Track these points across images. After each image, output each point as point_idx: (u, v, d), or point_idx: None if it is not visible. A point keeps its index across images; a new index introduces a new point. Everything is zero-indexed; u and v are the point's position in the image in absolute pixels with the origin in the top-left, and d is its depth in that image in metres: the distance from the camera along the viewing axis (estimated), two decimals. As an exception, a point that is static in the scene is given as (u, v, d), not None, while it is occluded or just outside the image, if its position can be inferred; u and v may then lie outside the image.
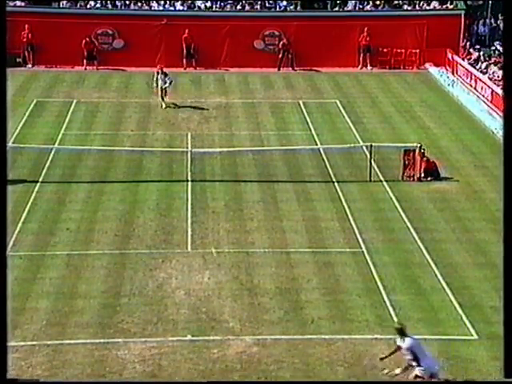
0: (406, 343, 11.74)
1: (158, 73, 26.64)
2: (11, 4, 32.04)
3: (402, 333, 11.86)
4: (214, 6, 33.21)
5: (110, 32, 31.39)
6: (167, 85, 26.41)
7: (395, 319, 14.07)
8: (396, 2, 33.42)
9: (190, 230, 17.65)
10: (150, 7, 32.83)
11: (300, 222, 18.21)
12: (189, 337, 13.57)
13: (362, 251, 16.85)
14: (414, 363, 11.70)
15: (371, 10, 33.17)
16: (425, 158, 20.86)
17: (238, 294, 15.02)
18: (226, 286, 15.30)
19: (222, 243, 17.10)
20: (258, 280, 15.57)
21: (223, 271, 15.89)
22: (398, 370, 11.87)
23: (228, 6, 33.28)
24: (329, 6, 33.56)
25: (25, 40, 30.46)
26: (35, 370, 12.40)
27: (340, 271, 16.00)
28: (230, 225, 17.96)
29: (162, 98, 26.47)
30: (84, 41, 30.64)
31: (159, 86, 26.42)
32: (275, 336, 13.68)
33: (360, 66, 32.17)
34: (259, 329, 13.89)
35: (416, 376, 11.83)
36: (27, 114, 25.34)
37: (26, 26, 30.33)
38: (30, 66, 30.85)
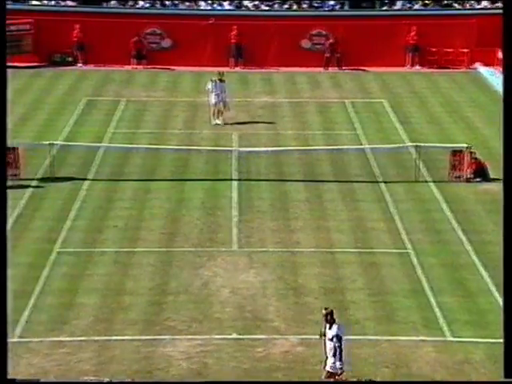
0: (333, 329, 11.57)
1: (213, 82, 24.18)
2: (62, 4, 32.59)
3: (332, 316, 11.68)
4: (261, 6, 33.28)
5: (159, 31, 31.68)
6: (221, 101, 24.08)
7: (442, 321, 13.95)
8: (446, 2, 33.05)
9: (235, 228, 17.72)
10: (198, 6, 33.04)
11: (345, 221, 18.15)
12: (234, 335, 13.63)
13: (408, 252, 16.72)
14: (337, 351, 11.51)
15: (420, 9, 32.86)
16: (474, 159, 20.60)
17: (282, 294, 15.03)
18: (270, 285, 15.32)
19: (267, 242, 17.14)
20: (302, 280, 15.56)
21: (268, 270, 15.92)
22: (330, 360, 11.68)
23: (275, 6, 33.32)
24: (377, 5, 33.35)
25: (75, 40, 30.91)
26: (83, 366, 12.58)
27: (386, 272, 15.90)
28: (275, 224, 17.98)
29: (217, 115, 24.24)
30: (133, 40, 30.97)
31: (213, 102, 24.15)
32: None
33: (408, 66, 31.90)
34: (304, 328, 13.88)
35: (328, 372, 11.66)
36: (77, 112, 25.72)
37: (77, 25, 30.78)
38: (80, 65, 31.31)
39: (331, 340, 11.51)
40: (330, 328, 11.57)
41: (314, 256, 16.55)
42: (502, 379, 6.78)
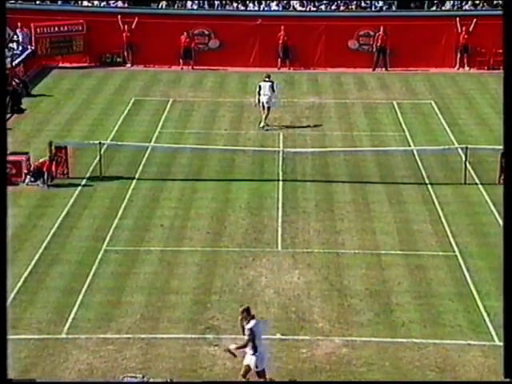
0: (249, 324, 11.60)
1: (262, 82, 24.08)
2: (112, 5, 32.99)
3: (248, 313, 11.73)
4: (308, 7, 33.24)
5: (206, 32, 31.85)
6: (270, 101, 24.03)
7: (490, 325, 13.76)
8: (496, 1, 32.56)
9: (280, 229, 17.73)
10: (246, 7, 33.14)
11: (391, 223, 18.02)
12: (278, 335, 13.65)
13: (456, 255, 16.53)
14: (250, 345, 11.53)
15: (469, 10, 32.43)
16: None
17: (327, 295, 15.00)
18: (315, 286, 15.30)
19: (312, 243, 17.11)
20: (347, 281, 15.51)
21: (313, 271, 15.90)
22: (233, 346, 11.79)
23: (323, 6, 33.24)
24: (425, 5, 33.02)
25: (125, 40, 31.27)
26: (129, 363, 12.72)
27: (432, 275, 15.75)
28: (320, 225, 17.95)
29: (265, 117, 24.14)
30: (181, 41, 31.19)
31: (261, 103, 24.03)
32: (365, 338, 13.59)
33: (457, 67, 31.53)
34: (349, 330, 13.84)
35: (248, 366, 11.67)
36: (125, 112, 26.01)
37: (126, 26, 31.13)
38: (129, 65, 31.66)
39: (244, 333, 11.64)
40: (247, 324, 11.68)
41: (359, 257, 16.47)
42: (502, 379, 6.70)
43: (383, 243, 17.08)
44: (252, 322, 11.70)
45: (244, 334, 11.71)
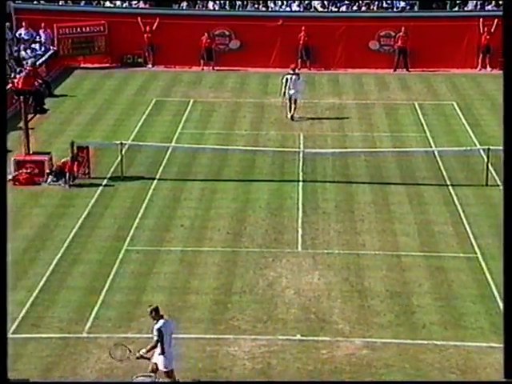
0: (158, 324, 11.56)
1: (288, 75, 24.59)
2: (134, 5, 33.14)
3: (157, 313, 11.68)
4: (329, 7, 33.19)
5: (227, 33, 31.91)
6: (297, 93, 24.70)
7: None
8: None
9: (300, 230, 17.72)
10: (267, 8, 33.15)
11: (412, 225, 17.95)
12: (298, 336, 13.64)
13: (477, 257, 16.44)
14: (158, 346, 11.49)
15: (492, 10, 32.22)
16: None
17: (347, 296, 14.97)
18: (335, 287, 15.28)
19: (333, 244, 17.09)
20: (368, 282, 15.47)
21: (333, 272, 15.88)
22: (143, 350, 11.72)
23: (344, 7, 33.18)
24: (448, 6, 32.85)
25: (146, 40, 31.39)
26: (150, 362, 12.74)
27: (453, 276, 15.67)
28: (340, 226, 17.92)
29: (290, 109, 24.79)
30: (202, 41, 31.26)
31: (287, 95, 24.68)
32: (385, 339, 13.55)
33: (479, 68, 31.33)
34: (369, 331, 13.80)
35: (155, 365, 11.64)
36: (146, 112, 26.12)
37: (147, 27, 31.25)
38: (150, 66, 31.78)
39: (152, 333, 11.65)
40: (155, 324, 11.66)
41: (380, 259, 16.43)
42: (502, 379, 6.67)
43: (404, 244, 17.02)
44: (160, 322, 11.65)
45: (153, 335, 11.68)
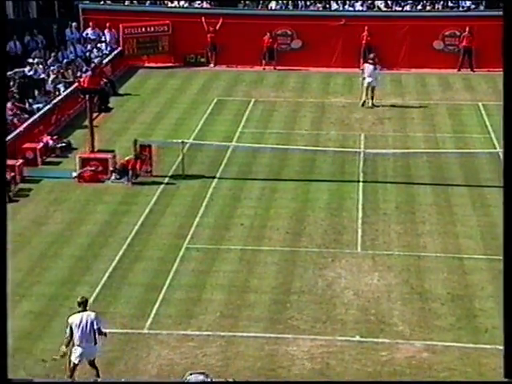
0: (70, 318, 11.64)
1: (366, 64, 26.20)
2: (198, 5, 33.42)
3: (84, 306, 11.76)
4: (393, 6, 32.88)
5: (289, 32, 31.91)
6: (375, 81, 25.94)
7: None
8: None
9: (360, 230, 17.62)
10: (330, 7, 33.03)
11: (475, 227, 17.67)
12: (357, 337, 13.58)
13: (542, 261, 16.06)
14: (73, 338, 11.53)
15: (560, 8, 31.43)
16: None
17: (408, 298, 14.83)
18: (395, 289, 15.15)
19: (393, 245, 16.94)
20: (429, 285, 15.29)
21: (393, 274, 15.75)
22: (63, 348, 11.73)
23: (408, 7, 32.82)
24: (514, 4, 32.16)
25: (209, 40, 31.63)
26: (209, 360, 12.87)
27: (517, 281, 15.34)
28: (401, 227, 17.75)
29: (372, 97, 26.13)
30: (264, 41, 31.32)
31: (366, 83, 26.09)
32: (446, 343, 13.39)
33: (546, 67, 30.61)
34: (430, 334, 13.65)
35: (70, 361, 11.65)
36: (208, 111, 26.33)
37: (211, 27, 31.42)
38: (212, 65, 32.01)
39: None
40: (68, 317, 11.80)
41: (441, 261, 16.22)
42: (503, 379, 6.52)
43: (466, 247, 16.77)
44: (74, 316, 11.81)
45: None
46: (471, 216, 18.25)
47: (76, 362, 11.91)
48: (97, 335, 11.83)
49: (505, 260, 6.51)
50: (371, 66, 26.04)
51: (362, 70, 26.28)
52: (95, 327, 11.77)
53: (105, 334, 12.02)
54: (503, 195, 6.46)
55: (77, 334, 11.78)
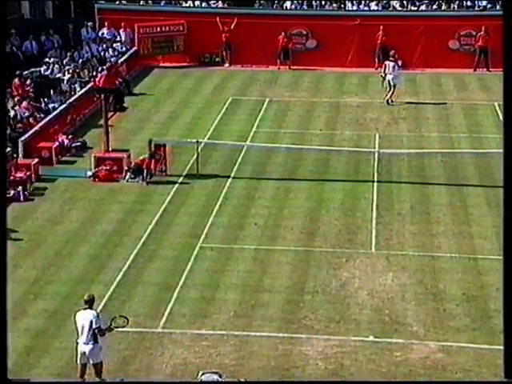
0: (77, 315, 11.70)
1: (387, 62, 26.47)
2: (213, 5, 33.46)
3: (85, 303, 11.79)
4: (408, 6, 32.78)
5: (304, 32, 31.88)
6: (395, 79, 26.15)
7: None
8: None
9: (374, 230, 17.59)
10: (345, 7, 32.97)
11: (490, 228, 17.59)
12: (371, 338, 13.55)
13: (558, 262, 15.97)
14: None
15: None
16: None
17: (422, 298, 14.78)
18: (410, 290, 15.11)
19: (407, 246, 16.90)
20: (443, 285, 15.24)
21: (407, 274, 15.71)
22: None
23: (423, 6, 32.71)
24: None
25: (224, 40, 31.66)
26: (223, 359, 12.89)
27: (532, 282, 15.26)
28: (415, 227, 17.70)
29: (392, 92, 26.38)
30: (279, 41, 31.31)
31: (387, 80, 26.31)
32: (461, 344, 13.33)
33: (562, 67, 30.41)
34: (444, 335, 13.60)
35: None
36: (222, 111, 26.36)
37: (225, 27, 31.45)
38: (227, 65, 32.04)
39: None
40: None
41: (456, 262, 16.16)
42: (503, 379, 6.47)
43: (481, 248, 16.70)
44: (77, 314, 11.86)
45: None
46: (486, 216, 18.17)
47: (79, 362, 11.90)
48: (97, 335, 11.76)
49: (505, 260, 6.51)
50: (392, 64, 26.27)
51: (384, 67, 26.57)
52: (94, 326, 11.73)
53: (103, 334, 11.86)
54: (503, 195, 6.45)
55: (78, 333, 11.84)
